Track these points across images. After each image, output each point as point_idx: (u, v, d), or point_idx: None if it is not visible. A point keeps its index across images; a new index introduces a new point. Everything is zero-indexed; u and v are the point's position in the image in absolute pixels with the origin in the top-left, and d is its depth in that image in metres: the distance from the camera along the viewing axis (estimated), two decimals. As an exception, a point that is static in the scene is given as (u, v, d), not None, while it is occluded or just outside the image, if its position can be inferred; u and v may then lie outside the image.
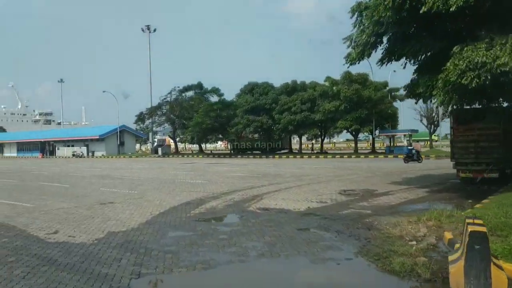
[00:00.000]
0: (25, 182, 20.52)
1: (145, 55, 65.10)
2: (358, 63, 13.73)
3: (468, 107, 15.16)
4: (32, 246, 7.37)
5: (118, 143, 66.37)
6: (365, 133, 50.12)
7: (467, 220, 5.03)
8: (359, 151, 47.52)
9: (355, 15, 13.41)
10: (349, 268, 6.13)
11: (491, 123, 13.90)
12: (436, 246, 6.84)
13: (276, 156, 46.87)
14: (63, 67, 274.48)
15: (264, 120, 48.09)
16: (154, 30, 62.65)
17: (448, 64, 10.30)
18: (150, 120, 62.48)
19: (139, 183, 18.75)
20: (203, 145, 67.94)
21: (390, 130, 46.68)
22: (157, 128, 65.92)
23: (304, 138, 60.25)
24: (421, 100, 15.88)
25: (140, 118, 62.89)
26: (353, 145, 55.10)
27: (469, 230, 4.66)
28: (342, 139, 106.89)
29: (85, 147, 68.34)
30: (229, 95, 74.97)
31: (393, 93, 45.31)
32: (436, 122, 55.34)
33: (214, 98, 58.08)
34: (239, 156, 50.03)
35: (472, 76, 9.72)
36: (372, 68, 43.16)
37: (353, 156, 41.53)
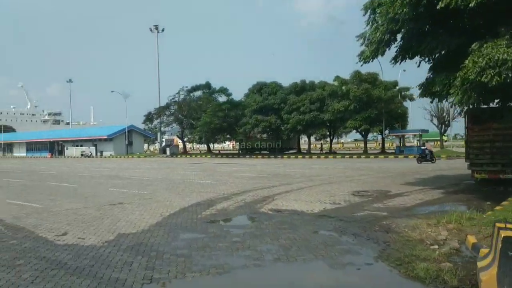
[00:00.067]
0: (34, 182, 20.46)
1: (153, 55, 65.05)
2: (372, 61, 13.51)
3: (484, 106, 14.81)
4: (40, 248, 7.19)
5: (127, 143, 66.52)
6: (374, 133, 49.71)
7: (498, 225, 4.74)
8: (368, 151, 47.07)
9: (368, 13, 13.18)
10: (370, 273, 5.83)
11: (507, 122, 13.57)
12: (459, 250, 6.53)
13: (284, 156, 46.56)
14: (72, 68, 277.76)
15: (273, 120, 47.77)
16: (163, 30, 62.74)
17: (467, 61, 9.97)
18: (158, 120, 62.54)
19: (148, 183, 18.59)
20: (211, 145, 67.84)
21: (400, 130, 46.19)
22: (165, 128, 66.10)
23: (312, 138, 59.83)
24: (431, 100, 15.54)
25: (149, 118, 62.89)
26: (361, 145, 54.79)
27: (502, 235, 4.37)
28: (350, 139, 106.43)
29: (94, 147, 68.64)
30: (238, 95, 75.13)
31: (403, 93, 44.90)
32: (447, 122, 54.50)
33: (222, 98, 57.88)
34: (248, 156, 49.79)
35: (492, 74, 9.39)
36: (382, 67, 42.84)
37: (362, 157, 41.08)
